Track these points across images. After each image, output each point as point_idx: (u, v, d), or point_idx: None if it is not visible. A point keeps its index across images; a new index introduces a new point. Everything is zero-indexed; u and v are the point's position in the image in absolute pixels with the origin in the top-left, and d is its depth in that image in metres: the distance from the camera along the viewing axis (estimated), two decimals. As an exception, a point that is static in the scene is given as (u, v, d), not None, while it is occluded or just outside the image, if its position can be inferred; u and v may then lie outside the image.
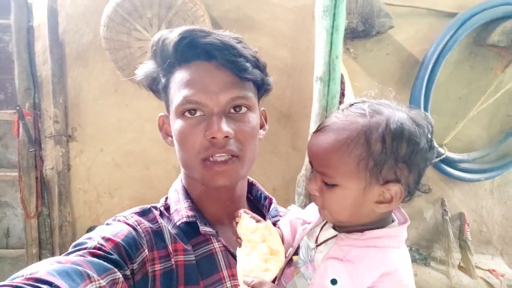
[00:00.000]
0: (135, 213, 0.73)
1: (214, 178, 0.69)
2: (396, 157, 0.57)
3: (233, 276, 0.69)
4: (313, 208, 0.72)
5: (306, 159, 1.96)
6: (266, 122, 0.85)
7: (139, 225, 0.68)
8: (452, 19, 2.37)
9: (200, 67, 0.69)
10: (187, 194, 0.78)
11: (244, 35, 0.74)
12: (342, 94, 1.95)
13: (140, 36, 2.22)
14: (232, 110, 0.69)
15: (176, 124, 0.70)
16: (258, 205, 0.88)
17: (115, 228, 0.65)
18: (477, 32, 2.48)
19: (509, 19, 2.34)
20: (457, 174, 2.60)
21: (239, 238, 0.67)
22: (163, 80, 0.74)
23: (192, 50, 0.68)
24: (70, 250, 0.59)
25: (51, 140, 2.53)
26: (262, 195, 0.88)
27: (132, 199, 2.56)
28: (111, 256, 0.58)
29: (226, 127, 0.65)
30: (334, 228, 0.67)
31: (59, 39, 2.44)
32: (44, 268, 0.49)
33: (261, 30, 2.42)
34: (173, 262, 0.66)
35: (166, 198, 0.82)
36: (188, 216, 0.73)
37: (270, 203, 0.85)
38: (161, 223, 0.72)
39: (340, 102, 1.89)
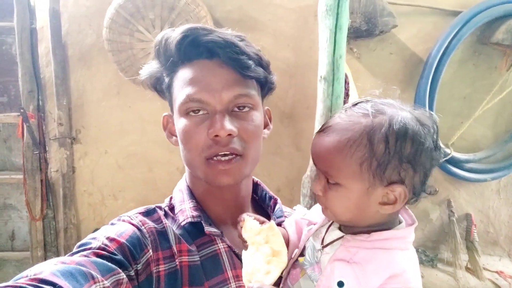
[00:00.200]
0: (139, 213, 0.72)
1: (217, 177, 0.68)
2: (400, 158, 0.56)
3: (238, 277, 0.68)
4: (318, 208, 0.71)
5: (311, 160, 1.95)
6: (270, 121, 0.84)
7: (143, 225, 0.68)
8: (456, 17, 2.36)
9: (202, 65, 0.68)
10: (192, 194, 0.78)
11: (246, 36, 0.74)
12: (347, 94, 1.94)
13: (143, 37, 2.22)
14: (235, 109, 0.69)
15: (180, 123, 0.70)
16: (263, 205, 0.87)
17: (120, 228, 0.65)
18: (481, 31, 2.47)
19: (514, 17, 2.32)
20: (463, 174, 2.58)
21: (245, 241, 0.66)
22: (166, 80, 0.74)
23: (194, 48, 0.67)
24: (74, 250, 0.59)
25: (55, 142, 2.53)
26: (267, 195, 0.87)
27: (136, 201, 2.55)
28: (116, 257, 0.57)
29: (229, 125, 0.65)
30: (340, 229, 0.66)
31: (62, 41, 2.45)
32: (48, 268, 0.49)
33: (263, 31, 2.42)
34: (177, 263, 0.66)
35: (171, 198, 0.81)
36: (193, 216, 0.72)
37: (275, 204, 0.84)
38: (165, 223, 0.72)
39: (345, 102, 1.87)
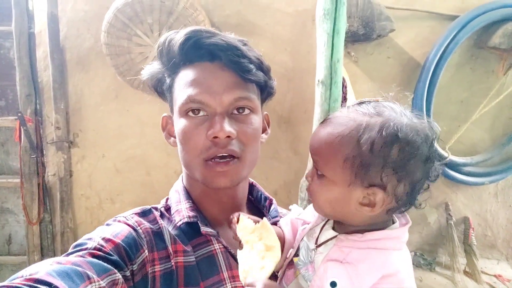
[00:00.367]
0: (135, 213, 0.73)
1: (215, 179, 0.69)
2: (383, 162, 0.56)
3: (234, 277, 0.68)
4: (312, 208, 0.72)
5: (309, 164, 1.95)
6: (268, 126, 0.85)
7: (139, 225, 0.68)
8: (453, 21, 2.37)
9: (204, 68, 0.69)
10: (188, 195, 0.78)
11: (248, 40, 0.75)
12: (344, 98, 1.94)
13: (141, 41, 2.22)
14: (235, 111, 0.69)
15: (179, 123, 0.70)
16: (259, 206, 0.88)
17: (115, 228, 0.65)
18: (478, 35, 2.48)
19: (510, 21, 2.33)
20: (461, 177, 2.58)
21: (240, 241, 0.67)
22: (168, 80, 0.74)
23: (197, 50, 0.68)
24: (70, 250, 0.59)
25: (53, 146, 2.53)
26: (263, 196, 0.87)
27: (134, 205, 2.50)
28: (111, 257, 0.58)
29: (228, 127, 0.66)
30: (334, 229, 0.67)
31: (60, 45, 2.45)
32: (44, 269, 0.49)
33: (261, 35, 2.42)
34: (173, 263, 0.66)
35: (167, 199, 0.81)
36: (189, 217, 0.72)
37: (271, 204, 0.85)
38: (161, 224, 0.72)
39: (342, 106, 1.88)
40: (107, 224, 0.68)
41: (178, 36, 0.69)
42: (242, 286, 0.66)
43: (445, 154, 2.47)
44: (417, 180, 0.59)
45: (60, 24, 2.44)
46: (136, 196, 2.59)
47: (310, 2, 2.23)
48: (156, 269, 0.64)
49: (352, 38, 2.33)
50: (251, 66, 0.69)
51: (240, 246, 0.68)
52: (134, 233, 0.65)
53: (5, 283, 0.45)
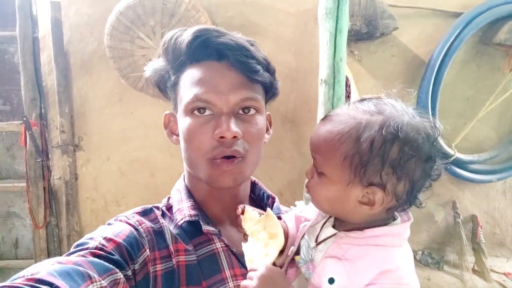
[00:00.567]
0: (136, 213, 0.73)
1: (219, 178, 0.69)
2: (382, 161, 0.56)
3: (236, 276, 0.68)
4: (313, 206, 0.72)
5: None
6: (270, 126, 0.85)
7: (140, 225, 0.68)
8: (458, 18, 2.35)
9: (211, 67, 0.69)
10: (190, 194, 0.78)
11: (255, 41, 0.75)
12: (348, 97, 1.93)
13: (144, 44, 2.23)
14: (240, 111, 0.69)
15: (184, 122, 0.70)
16: (261, 204, 0.88)
17: (117, 228, 0.65)
18: (483, 31, 2.45)
19: (516, 17, 2.31)
20: (468, 175, 2.55)
21: (246, 234, 0.68)
22: (172, 78, 0.74)
23: (205, 49, 0.68)
24: (71, 250, 0.59)
25: (58, 150, 2.54)
26: (265, 194, 0.87)
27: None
28: (113, 257, 0.57)
29: (235, 127, 0.66)
30: (334, 227, 0.67)
31: (64, 49, 2.46)
32: (45, 268, 0.49)
33: (264, 36, 2.42)
34: (174, 262, 0.66)
35: (169, 198, 0.81)
36: (190, 215, 0.72)
37: (273, 202, 0.85)
38: (162, 223, 0.72)
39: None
40: (109, 224, 0.68)
41: (185, 34, 0.69)
42: None
43: (451, 152, 2.45)
44: (417, 179, 0.59)
45: (64, 28, 2.45)
46: (140, 198, 2.59)
47: (312, 1, 2.22)
48: (157, 268, 0.64)
49: (355, 37, 2.32)
50: (259, 67, 0.69)
51: (245, 238, 0.68)
52: (135, 232, 0.65)
53: (7, 283, 0.45)
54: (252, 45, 0.71)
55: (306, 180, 0.69)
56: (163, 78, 0.76)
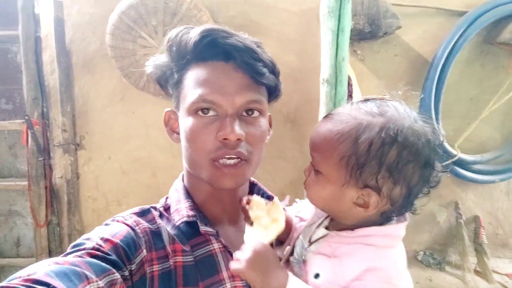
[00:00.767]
0: (134, 213, 0.72)
1: (221, 179, 0.69)
2: (379, 164, 0.56)
3: (233, 277, 0.68)
4: (310, 206, 0.73)
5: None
6: (271, 127, 0.85)
7: (137, 225, 0.68)
8: (462, 17, 2.34)
9: (217, 67, 0.68)
10: (188, 194, 0.78)
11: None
12: (350, 97, 1.93)
13: (146, 43, 2.22)
14: (244, 113, 0.69)
15: (187, 122, 0.69)
16: None
17: (114, 228, 0.64)
18: (488, 30, 2.44)
19: (520, 17, 2.29)
20: (471, 176, 2.54)
21: (251, 220, 0.69)
22: (175, 76, 0.73)
23: (212, 49, 0.68)
24: (68, 250, 0.59)
25: (60, 148, 2.54)
26: (265, 194, 0.87)
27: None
28: (110, 257, 0.57)
29: (239, 129, 0.65)
30: (327, 228, 0.67)
31: (66, 48, 2.46)
32: (42, 269, 0.49)
33: (266, 35, 2.41)
34: (171, 263, 0.66)
35: (167, 198, 0.81)
36: (188, 216, 0.72)
37: None
38: (159, 223, 0.72)
39: (348, 105, 1.85)
40: (106, 224, 0.68)
41: (192, 32, 0.68)
42: (242, 286, 0.67)
43: (454, 152, 2.44)
44: (414, 185, 0.58)
45: (66, 27, 2.45)
46: (142, 198, 2.59)
47: (315, 0, 2.21)
48: (154, 269, 0.64)
49: (358, 36, 2.31)
50: (265, 69, 0.69)
51: (249, 221, 0.69)
52: (132, 233, 0.65)
53: (3, 283, 0.45)
54: (258, 46, 0.71)
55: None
56: (165, 75, 0.75)
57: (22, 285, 0.45)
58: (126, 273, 0.59)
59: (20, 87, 2.51)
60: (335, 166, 0.58)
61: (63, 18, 2.44)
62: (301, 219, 0.74)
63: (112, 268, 0.55)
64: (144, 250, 0.64)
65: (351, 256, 0.58)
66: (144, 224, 0.69)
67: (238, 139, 0.65)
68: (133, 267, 0.61)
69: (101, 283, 0.51)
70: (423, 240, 2.71)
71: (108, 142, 2.58)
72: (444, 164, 0.60)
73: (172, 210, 0.76)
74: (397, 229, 0.61)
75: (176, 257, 0.67)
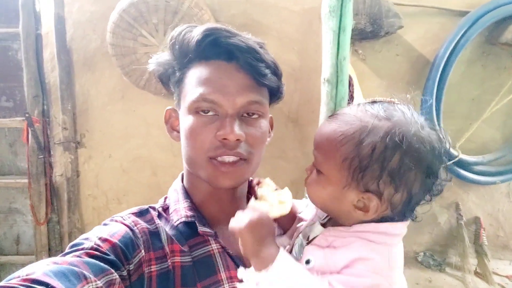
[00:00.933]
0: (132, 213, 0.72)
1: (219, 178, 0.69)
2: (381, 168, 0.55)
3: (232, 278, 0.68)
4: (311, 206, 0.73)
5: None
6: (271, 129, 0.85)
7: (136, 225, 0.68)
8: (463, 17, 2.33)
9: (219, 67, 0.68)
10: (187, 194, 0.78)
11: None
12: (351, 97, 1.92)
13: (146, 41, 2.22)
14: (245, 114, 0.69)
15: (187, 120, 0.69)
16: None
17: (112, 228, 0.65)
18: (489, 31, 2.43)
19: (523, 17, 2.28)
20: (472, 177, 2.53)
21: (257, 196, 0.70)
22: (177, 74, 0.73)
23: (214, 48, 0.68)
24: (67, 250, 0.59)
25: (60, 146, 2.55)
26: None
27: (140, 205, 2.54)
28: (108, 257, 0.57)
29: (238, 130, 0.65)
30: (324, 226, 0.67)
31: (67, 46, 2.46)
32: (41, 269, 0.49)
33: (268, 34, 2.41)
34: (169, 263, 0.66)
35: (165, 198, 0.81)
36: (187, 216, 0.72)
37: None
38: (158, 223, 0.72)
39: (349, 105, 1.85)
40: (104, 224, 0.68)
41: (195, 31, 0.68)
42: None
43: (455, 153, 2.43)
44: (416, 192, 0.58)
45: (67, 25, 2.45)
46: (142, 196, 2.59)
47: (316, -1, 2.20)
48: (152, 269, 0.64)
49: (360, 36, 2.30)
50: (267, 70, 0.69)
51: (255, 196, 0.70)
52: (130, 233, 0.65)
53: (2, 283, 0.45)
54: (261, 47, 0.71)
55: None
56: (167, 72, 0.76)
57: (21, 285, 0.45)
58: (125, 273, 0.59)
59: (21, 84, 2.50)
60: (337, 167, 0.58)
61: (63, 16, 2.44)
62: (301, 219, 0.74)
63: (110, 268, 0.55)
64: (142, 250, 0.64)
65: (344, 247, 0.58)
66: (142, 224, 0.69)
67: (238, 139, 0.65)
68: (131, 267, 0.61)
69: (99, 283, 0.52)
70: (424, 241, 2.70)
71: (109, 140, 2.58)
72: (446, 164, 0.59)
73: (170, 210, 0.76)
74: (392, 227, 0.60)
75: (175, 258, 0.67)
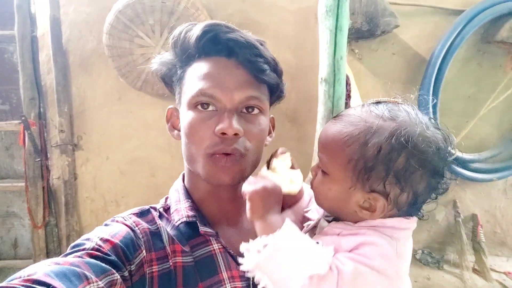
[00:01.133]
0: (133, 214, 0.72)
1: (217, 174, 0.68)
2: (387, 169, 0.55)
3: (233, 278, 0.68)
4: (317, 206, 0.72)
5: (313, 162, 1.93)
6: (273, 129, 0.86)
7: (137, 226, 0.68)
8: (459, 16, 2.34)
9: (219, 63, 0.69)
10: (188, 194, 0.78)
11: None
12: (348, 96, 1.92)
13: (143, 42, 2.21)
14: (244, 110, 0.69)
15: (187, 116, 0.69)
16: None
17: (113, 229, 0.65)
18: (485, 29, 2.44)
19: (518, 15, 2.29)
20: (469, 174, 2.55)
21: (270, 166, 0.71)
22: (179, 72, 0.74)
23: (214, 44, 0.68)
24: (68, 251, 0.59)
25: (57, 149, 2.53)
26: None
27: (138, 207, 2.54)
28: (109, 257, 0.57)
29: (236, 124, 0.65)
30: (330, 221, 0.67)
31: (63, 48, 2.45)
32: (42, 269, 0.49)
33: (264, 33, 2.40)
34: (171, 264, 0.66)
35: (166, 198, 0.81)
36: (188, 216, 0.72)
37: None
38: (159, 224, 0.72)
39: (346, 104, 1.85)
40: (105, 225, 0.68)
41: (196, 28, 0.69)
42: (242, 287, 0.67)
43: (453, 151, 2.44)
44: (421, 192, 0.58)
45: (63, 27, 2.44)
46: (141, 198, 2.58)
47: (313, -1, 2.21)
48: (154, 270, 0.64)
49: (356, 35, 2.31)
50: (266, 66, 0.69)
51: (267, 164, 0.71)
52: (132, 233, 0.65)
53: (3, 284, 0.45)
54: (261, 44, 0.71)
55: (311, 180, 0.68)
56: (170, 72, 0.76)
57: (22, 285, 0.45)
58: (126, 273, 0.59)
59: (17, 87, 2.49)
60: (342, 168, 0.58)
61: (59, 17, 2.42)
62: (307, 218, 0.73)
63: (111, 269, 0.55)
64: (144, 251, 0.64)
65: (353, 235, 0.58)
66: (143, 224, 0.69)
67: (236, 134, 0.65)
68: (133, 267, 0.61)
69: (101, 284, 0.52)
70: (422, 239, 2.71)
71: (106, 142, 2.56)
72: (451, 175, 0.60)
73: (172, 210, 0.76)
74: (399, 221, 0.59)
75: (176, 258, 0.67)
